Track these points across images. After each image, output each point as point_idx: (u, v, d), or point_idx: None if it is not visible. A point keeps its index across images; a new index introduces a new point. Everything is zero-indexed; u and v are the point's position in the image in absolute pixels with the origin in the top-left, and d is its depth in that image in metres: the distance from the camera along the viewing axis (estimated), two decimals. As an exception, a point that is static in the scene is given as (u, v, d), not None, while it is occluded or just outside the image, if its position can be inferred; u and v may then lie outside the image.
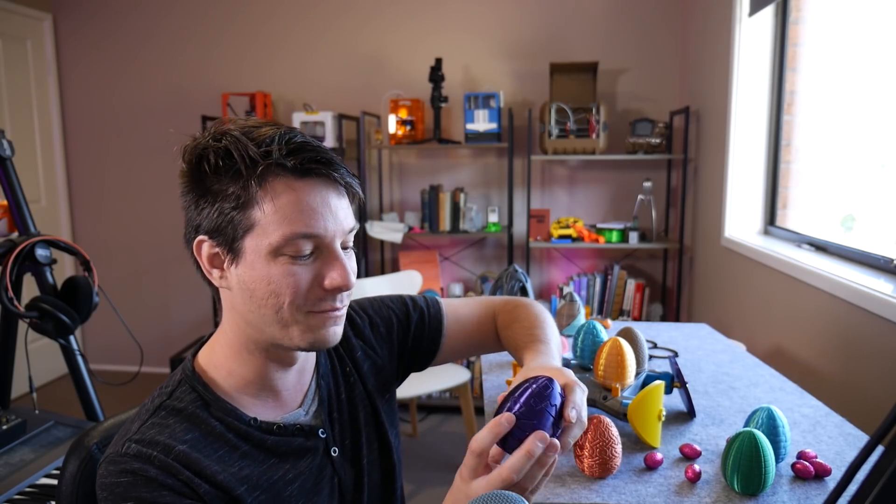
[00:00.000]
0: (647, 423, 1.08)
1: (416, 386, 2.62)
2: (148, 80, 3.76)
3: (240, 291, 0.75)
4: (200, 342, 0.85)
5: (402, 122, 3.29)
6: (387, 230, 3.36)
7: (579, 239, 3.21)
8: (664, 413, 1.09)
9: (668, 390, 1.24)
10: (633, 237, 3.18)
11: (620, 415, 1.12)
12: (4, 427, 1.54)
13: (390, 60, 3.55)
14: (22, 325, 1.86)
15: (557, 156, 3.16)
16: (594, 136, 3.10)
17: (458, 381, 2.70)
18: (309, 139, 0.75)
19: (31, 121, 3.68)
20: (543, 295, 3.58)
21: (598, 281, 3.36)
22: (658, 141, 3.16)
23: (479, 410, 3.03)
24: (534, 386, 0.71)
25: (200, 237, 0.75)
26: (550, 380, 0.72)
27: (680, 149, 3.24)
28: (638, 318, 3.32)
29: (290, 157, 0.72)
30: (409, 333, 1.00)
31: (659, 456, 1.04)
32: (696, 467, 0.99)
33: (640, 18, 3.37)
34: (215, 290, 0.80)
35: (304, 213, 0.72)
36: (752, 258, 2.37)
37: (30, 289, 1.82)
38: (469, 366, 3.23)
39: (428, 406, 3.44)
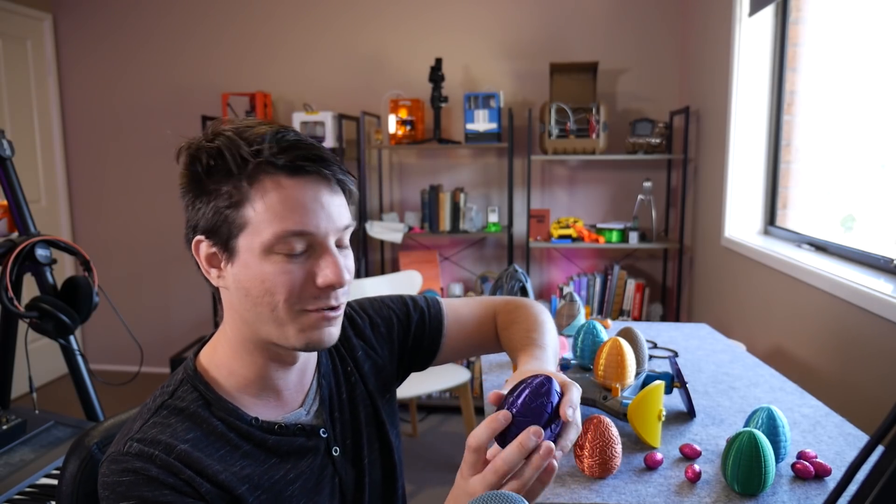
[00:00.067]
0: (647, 423, 1.08)
1: (416, 386, 2.62)
2: (148, 80, 3.76)
3: (236, 291, 0.75)
4: (202, 342, 0.85)
5: (402, 122, 3.29)
6: (387, 230, 3.36)
7: (579, 239, 3.21)
8: (664, 413, 1.09)
9: (668, 390, 1.24)
10: (633, 237, 3.18)
11: (620, 415, 1.12)
12: (4, 427, 1.54)
13: (390, 60, 3.55)
14: (22, 325, 1.86)
15: (557, 156, 3.16)
16: (594, 136, 3.10)
17: (458, 381, 2.70)
18: (302, 137, 0.75)
19: (31, 121, 3.68)
20: (543, 295, 3.58)
21: (598, 281, 3.36)
22: (658, 141, 3.16)
23: (479, 410, 3.03)
24: (532, 384, 0.71)
25: (198, 237, 0.76)
26: (548, 378, 0.72)
27: (680, 149, 3.24)
28: (638, 318, 3.32)
29: (281, 155, 0.72)
30: (410, 333, 1.00)
31: (659, 456, 1.04)
32: (696, 467, 0.99)
33: (640, 18, 3.37)
34: (216, 290, 0.80)
35: (296, 210, 0.72)
36: (752, 258, 2.37)
37: (30, 289, 1.82)
38: (469, 366, 3.23)
39: (428, 406, 3.44)
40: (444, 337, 1.01)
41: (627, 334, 1.32)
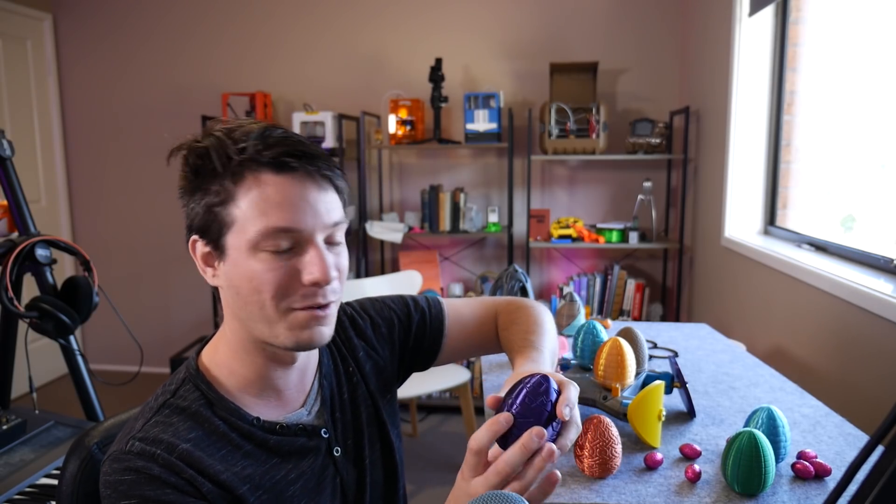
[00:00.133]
0: (647, 423, 1.08)
1: (416, 386, 2.62)
2: (148, 80, 3.76)
3: (228, 289, 0.76)
4: (204, 341, 0.85)
5: (402, 122, 3.29)
6: (387, 230, 3.36)
7: (579, 239, 3.21)
8: (664, 413, 1.09)
9: (668, 390, 1.24)
10: (633, 237, 3.18)
11: (620, 415, 1.12)
12: (4, 427, 1.54)
13: (390, 60, 3.55)
14: (22, 325, 1.86)
15: (557, 156, 3.16)
16: (594, 136, 3.11)
17: (458, 381, 2.70)
18: (290, 134, 0.75)
19: (31, 121, 3.68)
20: (543, 295, 3.58)
21: (598, 281, 3.36)
22: (658, 141, 3.16)
23: (479, 410, 3.03)
24: (529, 384, 0.71)
25: (193, 237, 0.76)
26: (545, 377, 0.71)
27: (680, 149, 3.24)
28: (638, 318, 3.32)
29: (265, 152, 0.72)
30: (411, 334, 1.00)
31: (659, 456, 1.04)
32: (696, 467, 0.99)
33: (640, 18, 3.37)
34: (216, 289, 0.80)
35: (280, 207, 0.71)
36: (752, 258, 2.37)
37: (30, 289, 1.82)
38: (469, 366, 3.23)
39: (428, 406, 3.44)
40: (446, 337, 1.01)
41: (627, 334, 1.32)
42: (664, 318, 3.39)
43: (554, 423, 0.69)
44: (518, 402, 0.69)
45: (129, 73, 3.77)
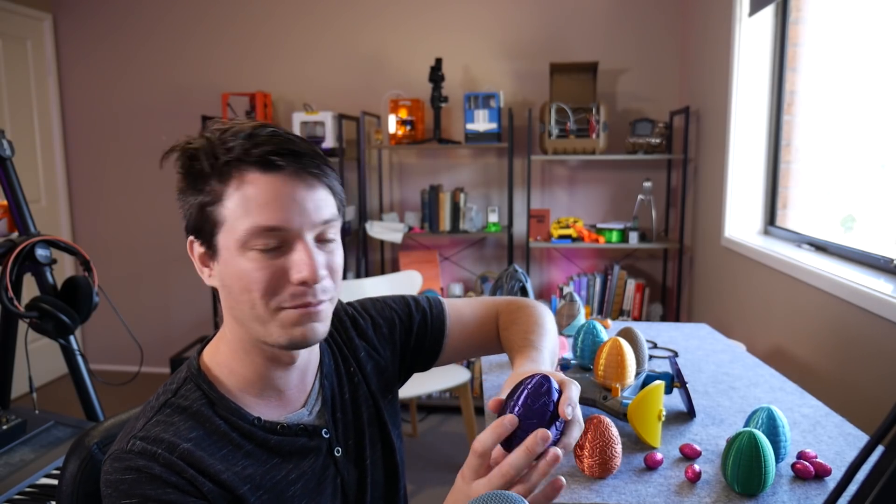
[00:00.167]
0: (647, 423, 1.08)
1: (416, 386, 2.62)
2: (148, 80, 3.76)
3: (222, 289, 0.76)
4: (205, 340, 0.85)
5: (402, 122, 3.29)
6: (387, 230, 3.36)
7: (579, 239, 3.21)
8: (664, 413, 1.09)
9: (668, 390, 1.24)
10: (633, 237, 3.18)
11: (620, 415, 1.12)
12: (4, 427, 1.54)
13: (390, 60, 3.55)
14: (22, 325, 1.86)
15: (557, 156, 3.16)
16: (594, 136, 3.11)
17: (458, 381, 2.70)
18: (280, 132, 0.74)
19: (31, 121, 3.68)
20: (543, 295, 3.58)
21: (598, 281, 3.36)
22: (658, 141, 3.16)
23: (479, 410, 3.03)
24: (530, 385, 0.70)
25: (190, 237, 0.77)
26: (546, 377, 0.71)
27: (680, 149, 3.24)
28: (638, 318, 3.32)
29: (252, 151, 0.72)
30: (412, 334, 1.00)
31: (659, 456, 1.04)
32: (696, 467, 0.99)
33: (640, 18, 3.37)
34: (216, 289, 0.80)
35: (267, 205, 0.71)
36: (752, 258, 2.37)
37: (30, 289, 1.82)
38: (469, 366, 3.23)
39: (428, 406, 3.44)
40: (447, 337, 1.01)
41: (627, 334, 1.32)
42: (664, 318, 3.39)
43: (557, 423, 0.69)
44: (520, 403, 0.69)
45: (129, 74, 3.77)
